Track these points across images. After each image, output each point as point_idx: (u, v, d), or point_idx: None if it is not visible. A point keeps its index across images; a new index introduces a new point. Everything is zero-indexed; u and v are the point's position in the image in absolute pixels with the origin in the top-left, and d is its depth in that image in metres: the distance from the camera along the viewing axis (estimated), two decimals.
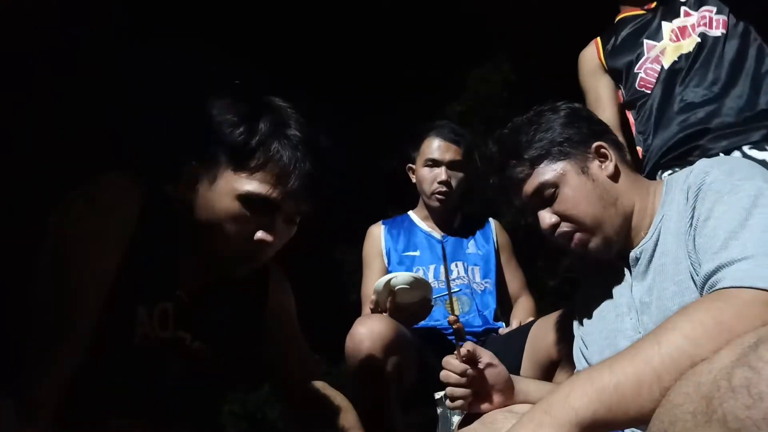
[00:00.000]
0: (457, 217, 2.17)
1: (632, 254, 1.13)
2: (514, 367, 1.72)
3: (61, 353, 0.91)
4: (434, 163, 2.03)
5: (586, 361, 1.23)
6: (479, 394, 1.10)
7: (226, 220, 0.99)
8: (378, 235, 2.13)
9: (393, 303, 1.67)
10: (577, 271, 1.44)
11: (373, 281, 1.94)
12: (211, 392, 1.16)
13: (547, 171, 1.14)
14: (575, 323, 1.31)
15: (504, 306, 2.13)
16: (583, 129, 1.17)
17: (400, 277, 1.67)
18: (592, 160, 1.15)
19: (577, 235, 1.13)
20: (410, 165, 2.13)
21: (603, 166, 1.15)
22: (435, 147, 2.04)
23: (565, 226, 1.13)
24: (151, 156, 1.14)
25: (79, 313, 0.93)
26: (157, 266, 1.01)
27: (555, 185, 1.13)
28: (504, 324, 2.01)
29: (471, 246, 2.08)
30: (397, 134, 2.24)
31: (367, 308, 1.90)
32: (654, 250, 1.09)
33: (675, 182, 1.11)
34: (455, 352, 1.10)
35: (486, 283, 2.02)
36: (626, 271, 1.16)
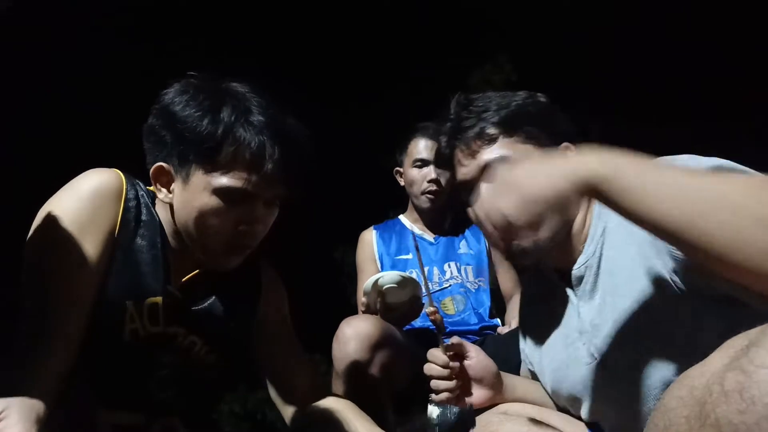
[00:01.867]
0: (447, 218, 2.18)
1: (575, 273, 1.03)
2: (514, 367, 1.72)
3: (44, 351, 0.91)
4: (423, 163, 2.06)
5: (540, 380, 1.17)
6: (466, 387, 1.07)
7: (206, 215, 1.00)
8: (370, 240, 2.15)
9: (383, 303, 1.68)
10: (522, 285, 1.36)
11: None
12: (205, 386, 1.15)
13: (513, 145, 1.04)
14: (521, 342, 1.25)
15: (498, 304, 2.15)
16: (560, 125, 1.09)
17: (388, 277, 1.67)
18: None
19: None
20: (398, 169, 2.17)
21: None
22: (422, 147, 2.07)
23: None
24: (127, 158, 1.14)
25: (61, 303, 0.93)
26: (145, 262, 1.02)
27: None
28: (499, 321, 2.02)
29: (463, 246, 2.10)
30: (397, 135, 2.26)
31: (361, 313, 1.91)
32: (599, 267, 1.00)
33: None
34: (439, 345, 1.09)
35: (479, 281, 2.04)
36: (569, 291, 1.07)
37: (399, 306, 1.70)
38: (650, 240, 0.90)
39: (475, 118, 1.06)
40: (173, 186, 1.04)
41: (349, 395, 1.49)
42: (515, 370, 1.71)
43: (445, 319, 1.93)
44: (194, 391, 1.12)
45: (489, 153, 1.04)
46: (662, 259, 0.90)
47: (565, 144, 1.08)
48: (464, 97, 1.11)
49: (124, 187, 1.02)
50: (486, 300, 2.02)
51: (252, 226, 1.03)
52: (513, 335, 1.80)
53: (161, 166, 1.03)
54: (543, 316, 1.15)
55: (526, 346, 1.23)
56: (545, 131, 1.06)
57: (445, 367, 1.05)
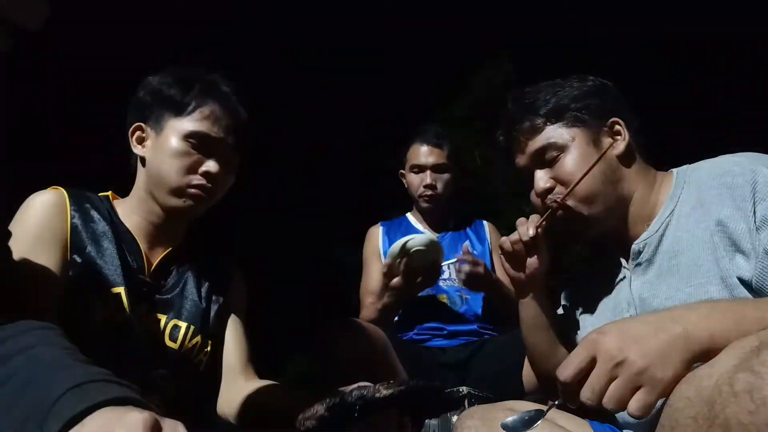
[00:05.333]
0: (451, 219, 2.22)
1: (634, 247, 1.09)
2: (516, 367, 1.72)
3: None
4: (419, 169, 2.09)
5: None
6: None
7: (174, 156, 1.17)
8: (377, 236, 2.19)
9: (407, 266, 1.71)
10: (574, 267, 1.40)
11: (372, 281, 2.04)
12: (197, 373, 1.19)
13: (559, 132, 1.12)
14: (566, 323, 1.27)
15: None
16: (607, 103, 1.15)
17: (417, 239, 1.72)
18: (605, 135, 1.13)
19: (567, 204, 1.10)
20: (402, 171, 2.20)
21: (614, 144, 1.12)
22: (419, 152, 2.10)
23: (557, 193, 1.11)
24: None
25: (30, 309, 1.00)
26: (101, 259, 1.13)
27: (561, 149, 1.11)
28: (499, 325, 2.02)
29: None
30: (397, 135, 2.27)
31: (366, 303, 1.99)
32: (659, 245, 1.06)
33: (690, 177, 1.07)
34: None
35: None
36: (625, 264, 1.13)
37: (421, 270, 1.74)
38: (728, 242, 0.94)
39: (523, 112, 1.16)
40: (147, 141, 1.22)
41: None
42: (513, 371, 1.71)
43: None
44: (183, 376, 1.15)
45: (536, 142, 1.14)
46: (735, 265, 0.93)
47: (612, 120, 1.14)
48: (517, 92, 1.21)
49: (67, 200, 1.15)
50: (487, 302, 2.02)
51: (213, 169, 1.18)
52: (514, 337, 1.80)
53: (138, 125, 1.23)
54: (594, 289, 1.20)
55: (572, 326, 1.26)
56: (591, 113, 1.13)
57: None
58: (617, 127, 1.13)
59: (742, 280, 0.92)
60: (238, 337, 1.30)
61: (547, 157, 1.12)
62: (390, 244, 2.09)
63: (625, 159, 1.12)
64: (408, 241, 1.71)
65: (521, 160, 1.17)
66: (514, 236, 1.18)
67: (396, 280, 1.74)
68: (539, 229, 1.16)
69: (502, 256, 1.24)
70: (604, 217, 1.10)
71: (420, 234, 1.84)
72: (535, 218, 1.17)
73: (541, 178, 1.13)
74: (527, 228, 1.16)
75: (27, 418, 0.57)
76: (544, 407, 0.85)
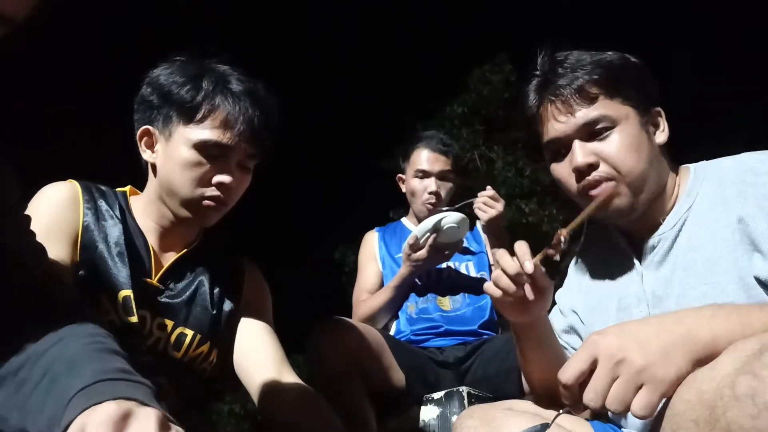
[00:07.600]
0: None
1: (650, 241, 1.05)
2: (516, 367, 1.72)
3: None
4: (424, 174, 2.08)
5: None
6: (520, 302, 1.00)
7: (185, 167, 1.11)
8: (372, 241, 2.20)
9: (434, 241, 1.84)
10: (578, 255, 1.27)
11: (367, 284, 2.08)
12: (200, 378, 1.18)
13: (614, 106, 1.03)
14: (565, 295, 1.24)
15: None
16: (651, 87, 1.09)
17: (451, 217, 1.86)
18: (649, 122, 1.07)
19: (611, 184, 1.02)
20: (400, 176, 2.20)
21: (655, 133, 1.07)
22: (424, 158, 2.09)
23: (602, 171, 1.02)
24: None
25: None
26: (111, 259, 1.10)
27: (613, 124, 1.02)
28: (500, 325, 2.02)
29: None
30: (398, 135, 2.27)
31: (359, 301, 2.03)
32: (675, 240, 1.03)
33: (710, 173, 1.04)
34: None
35: (482, 274, 2.05)
36: (634, 257, 1.09)
37: (445, 245, 1.87)
38: (747, 241, 0.92)
39: (570, 73, 1.05)
40: (157, 146, 1.16)
41: (329, 399, 1.51)
42: (512, 371, 1.71)
43: (440, 315, 1.96)
44: (184, 384, 1.14)
45: (589, 111, 1.03)
46: (753, 265, 0.91)
47: (656, 109, 1.09)
48: (551, 54, 1.10)
49: (80, 196, 1.12)
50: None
51: (226, 178, 1.12)
52: (511, 337, 1.80)
53: (146, 129, 1.16)
54: (598, 275, 1.16)
55: (572, 300, 1.22)
56: (640, 93, 1.06)
57: (515, 276, 0.97)
58: (659, 118, 1.08)
59: (758, 280, 0.89)
60: (266, 339, 1.24)
61: (595, 129, 1.03)
62: (386, 249, 2.14)
63: (664, 150, 1.08)
64: (443, 218, 1.84)
65: (565, 126, 1.05)
66: (502, 279, 0.98)
67: (421, 253, 1.84)
68: (539, 261, 0.97)
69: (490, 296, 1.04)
70: (642, 205, 1.03)
71: (453, 212, 1.90)
72: (524, 249, 0.96)
73: (583, 152, 1.03)
74: (522, 262, 0.95)
75: (52, 418, 0.59)
76: (546, 408, 0.85)
